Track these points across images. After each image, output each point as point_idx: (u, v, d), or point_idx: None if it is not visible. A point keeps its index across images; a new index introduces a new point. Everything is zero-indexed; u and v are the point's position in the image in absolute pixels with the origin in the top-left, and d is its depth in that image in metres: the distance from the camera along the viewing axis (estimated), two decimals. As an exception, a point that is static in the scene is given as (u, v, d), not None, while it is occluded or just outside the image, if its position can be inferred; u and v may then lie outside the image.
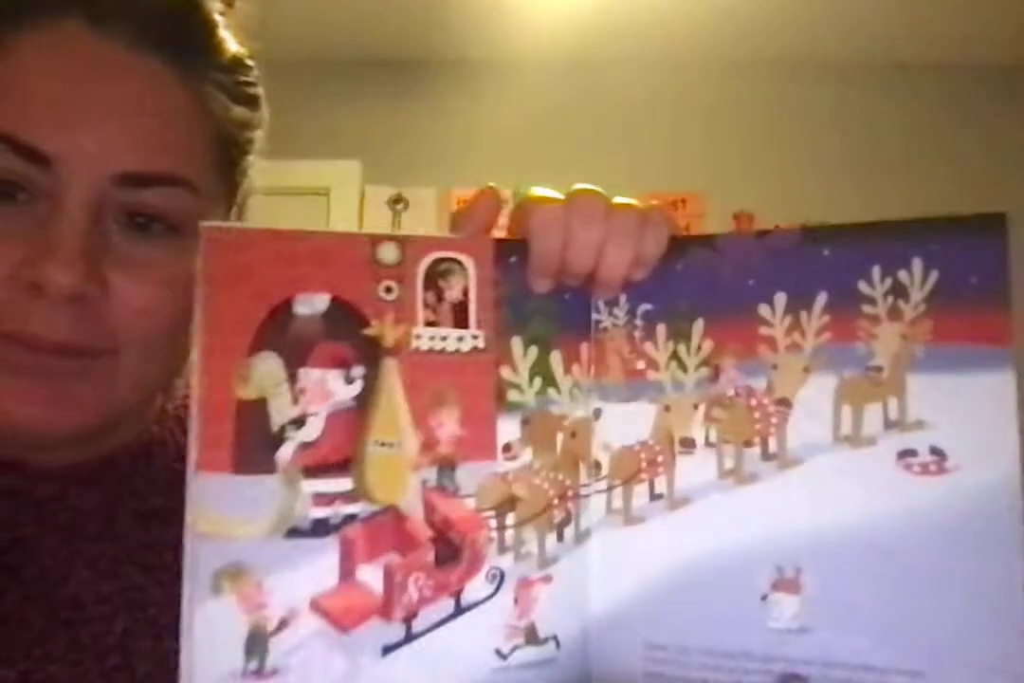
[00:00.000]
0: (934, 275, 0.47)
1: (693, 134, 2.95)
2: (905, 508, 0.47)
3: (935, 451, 0.47)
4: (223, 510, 0.46)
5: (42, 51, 0.55)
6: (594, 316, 0.52)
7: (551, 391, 0.51)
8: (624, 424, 0.52)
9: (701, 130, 2.95)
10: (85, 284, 0.53)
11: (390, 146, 2.99)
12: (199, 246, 0.47)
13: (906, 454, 0.47)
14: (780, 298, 0.50)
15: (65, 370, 0.56)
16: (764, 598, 0.49)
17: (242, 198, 0.69)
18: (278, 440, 0.47)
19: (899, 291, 0.48)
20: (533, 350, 0.51)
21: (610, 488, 0.51)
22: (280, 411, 0.47)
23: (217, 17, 0.62)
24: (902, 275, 0.48)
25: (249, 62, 0.64)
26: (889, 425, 0.48)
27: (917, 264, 0.48)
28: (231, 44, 0.62)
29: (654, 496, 0.51)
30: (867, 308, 0.48)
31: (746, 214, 2.87)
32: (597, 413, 0.52)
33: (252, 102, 0.64)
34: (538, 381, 0.51)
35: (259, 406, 0.47)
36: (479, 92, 3.02)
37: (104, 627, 0.59)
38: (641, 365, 0.52)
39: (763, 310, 0.50)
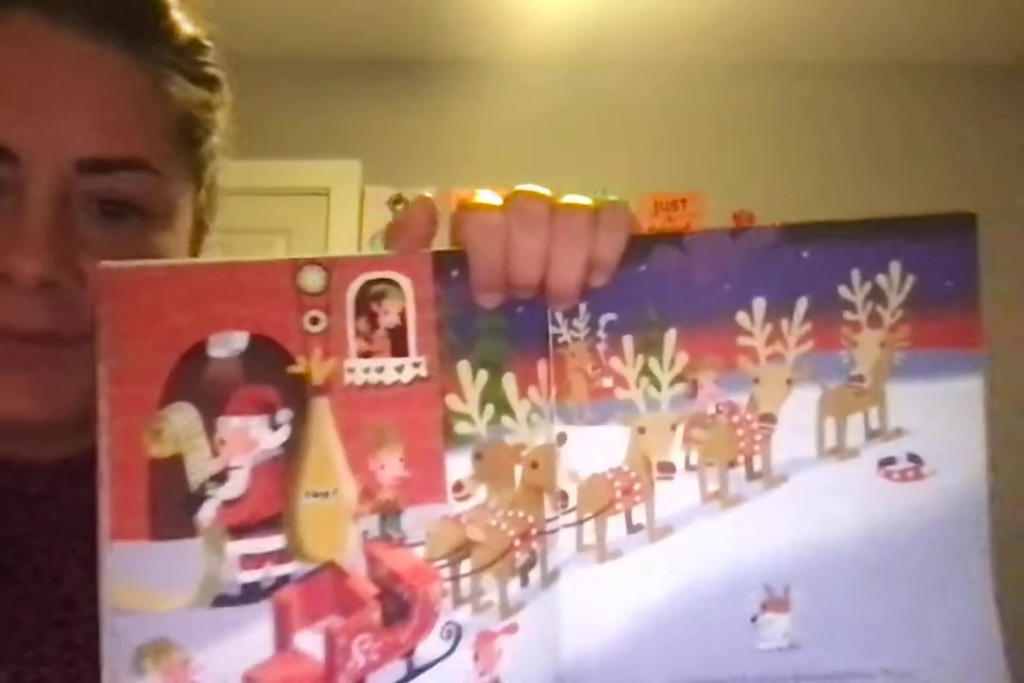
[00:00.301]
0: (911, 279, 0.46)
1: (693, 134, 2.94)
2: (888, 517, 0.46)
3: (912, 457, 0.46)
4: (142, 581, 0.42)
5: (1, 46, 0.55)
6: (551, 330, 0.47)
7: (505, 419, 0.45)
8: (593, 450, 0.46)
9: (701, 130, 2.94)
10: (54, 272, 0.52)
11: (390, 146, 2.98)
12: (96, 289, 0.43)
13: (886, 462, 0.46)
14: (759, 304, 0.45)
15: (41, 359, 0.55)
16: (754, 620, 0.45)
17: (210, 180, 0.67)
18: (198, 499, 0.43)
19: (878, 296, 0.46)
20: (483, 374, 0.45)
21: (580, 522, 0.46)
22: (198, 467, 0.43)
23: (167, 1, 0.61)
24: (880, 279, 0.46)
25: (206, 43, 0.64)
26: (870, 435, 0.46)
27: (895, 268, 0.46)
28: (185, 26, 0.62)
29: (632, 527, 0.46)
30: (848, 314, 0.46)
31: (746, 214, 2.83)
32: (561, 439, 0.46)
33: (211, 82, 0.64)
34: (490, 409, 0.45)
35: (174, 463, 0.43)
36: (479, 92, 3.00)
37: (97, 627, 0.57)
38: (608, 383, 0.46)
39: (741, 318, 0.46)
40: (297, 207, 3.06)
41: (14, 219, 0.53)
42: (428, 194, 0.47)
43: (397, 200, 2.96)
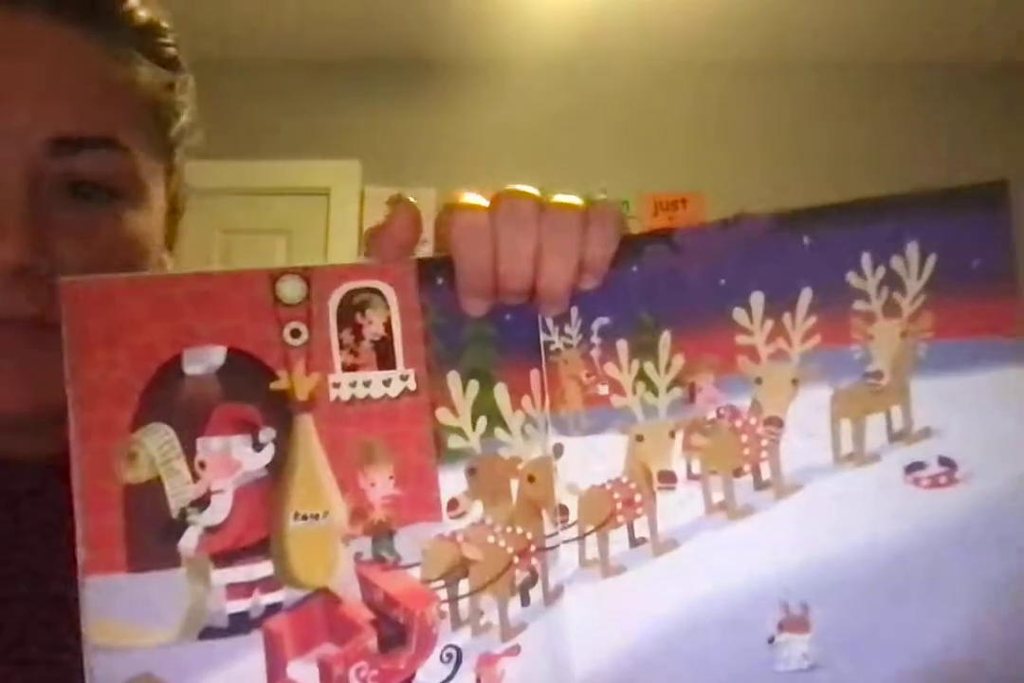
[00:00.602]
0: (931, 260, 0.41)
1: (693, 134, 2.96)
2: (917, 528, 0.42)
3: (944, 461, 0.41)
4: (123, 616, 0.40)
5: None
6: (543, 337, 0.45)
7: (499, 432, 0.43)
8: (591, 460, 0.44)
9: (701, 130, 2.97)
10: (31, 258, 0.52)
11: (390, 146, 3.00)
12: (61, 306, 0.41)
13: (914, 468, 0.42)
14: (757, 299, 0.43)
15: (22, 344, 0.53)
16: (771, 641, 0.42)
17: (180, 162, 0.68)
18: (179, 527, 0.41)
19: (894, 282, 0.41)
20: (474, 385, 0.43)
21: (582, 536, 0.44)
22: (178, 492, 0.41)
23: None
24: (896, 262, 0.41)
25: (164, 24, 0.64)
26: (894, 437, 0.42)
27: (912, 248, 0.41)
28: (142, 10, 0.62)
29: (635, 541, 0.44)
30: (859, 304, 0.42)
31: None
32: (557, 450, 0.44)
33: (173, 64, 0.64)
34: (483, 421, 0.43)
35: (152, 489, 0.41)
36: (479, 92, 3.02)
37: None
38: (603, 390, 0.44)
39: (738, 315, 0.43)
40: (297, 207, 3.07)
41: None
42: (411, 198, 0.46)
43: (397, 200, 2.96)
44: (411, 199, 0.46)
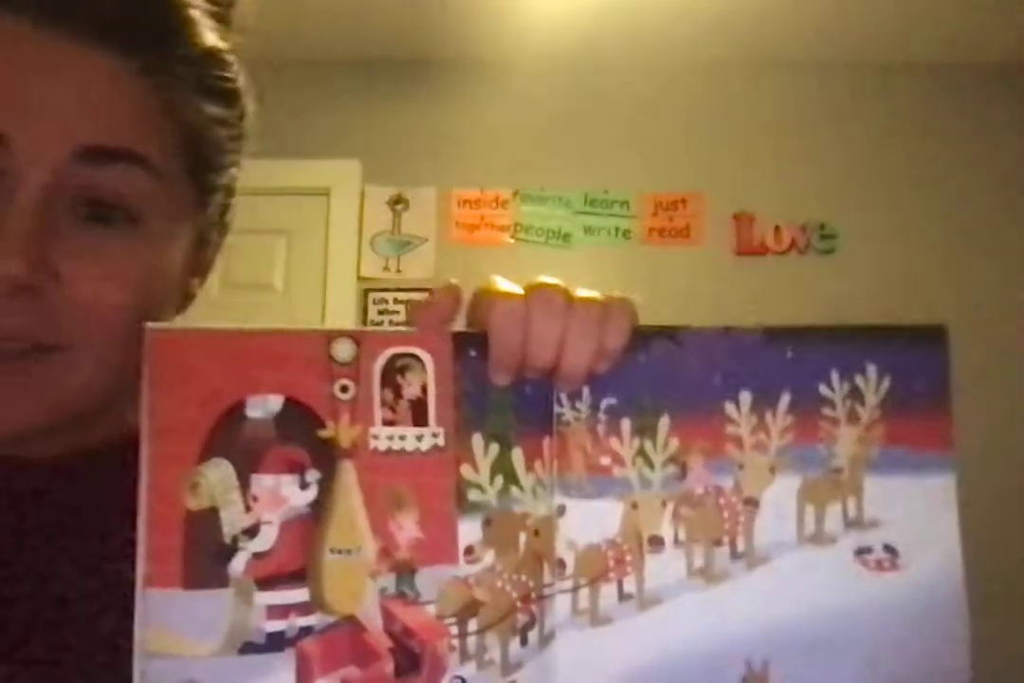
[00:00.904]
0: (886, 381, 0.51)
1: (692, 134, 2.98)
2: (863, 602, 0.50)
3: (888, 548, 0.50)
4: (174, 627, 0.45)
5: None
6: (556, 409, 0.51)
7: (513, 489, 0.50)
8: (589, 521, 0.51)
9: (700, 130, 2.98)
10: (31, 276, 0.52)
11: (390, 146, 3.02)
12: (143, 348, 0.46)
13: (863, 551, 0.50)
14: (745, 397, 0.50)
15: (7, 373, 0.54)
16: None
17: (226, 198, 0.68)
18: (230, 551, 0.46)
19: (856, 395, 0.51)
20: (494, 447, 0.50)
21: (576, 588, 0.50)
22: (232, 521, 0.46)
23: (191, 11, 0.60)
24: (858, 380, 0.51)
25: (227, 57, 0.63)
26: (848, 524, 0.51)
27: (871, 370, 0.51)
28: (204, 38, 0.61)
29: (623, 596, 0.50)
30: (827, 411, 0.51)
31: (746, 214, 2.87)
32: (561, 510, 0.51)
33: (227, 97, 0.64)
34: (499, 480, 0.50)
35: (210, 516, 0.46)
36: (479, 92, 3.04)
37: (90, 626, 0.58)
38: (606, 461, 0.51)
39: (729, 409, 0.51)
40: (297, 207, 3.06)
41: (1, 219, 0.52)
42: (454, 281, 0.51)
43: (397, 200, 2.99)
44: (453, 281, 0.52)
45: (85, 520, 0.61)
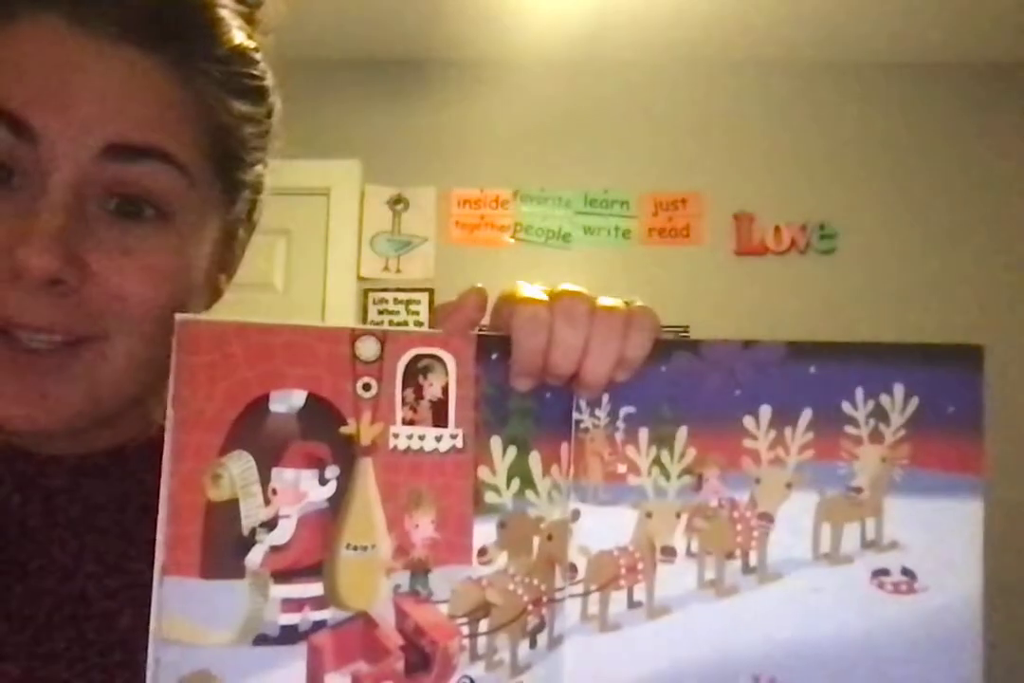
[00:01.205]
0: (914, 401, 0.50)
1: (692, 134, 2.98)
2: (877, 624, 0.50)
3: (906, 572, 0.50)
4: (190, 616, 0.46)
5: (22, 39, 0.56)
6: (575, 416, 0.52)
7: (529, 493, 0.51)
8: (603, 528, 0.52)
9: (700, 130, 2.99)
10: (62, 270, 0.53)
11: (390, 146, 3.02)
12: (173, 338, 0.47)
13: (880, 573, 0.50)
14: (765, 411, 0.50)
15: (46, 367, 0.55)
16: None
17: (253, 195, 0.68)
18: (248, 543, 0.47)
19: (881, 414, 0.50)
20: (512, 450, 0.50)
21: (586, 593, 0.51)
22: (251, 513, 0.47)
23: (220, 10, 0.61)
24: (884, 399, 0.50)
25: (254, 55, 0.64)
26: (866, 544, 0.50)
27: (898, 389, 0.50)
28: (232, 36, 0.62)
29: (632, 603, 0.51)
30: (850, 429, 0.51)
31: (746, 214, 2.88)
32: (575, 515, 0.52)
33: (254, 95, 0.64)
34: (516, 483, 0.50)
35: (230, 508, 0.47)
36: (479, 92, 3.03)
37: (109, 623, 0.58)
38: (622, 469, 0.52)
39: (748, 422, 0.51)
40: (297, 207, 3.04)
41: (28, 211, 0.53)
42: (480, 285, 0.52)
43: (397, 200, 2.99)
44: (480, 285, 0.52)
45: (110, 518, 0.62)
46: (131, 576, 0.60)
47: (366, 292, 2.96)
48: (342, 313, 2.96)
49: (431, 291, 2.91)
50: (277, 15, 0.67)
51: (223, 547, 0.46)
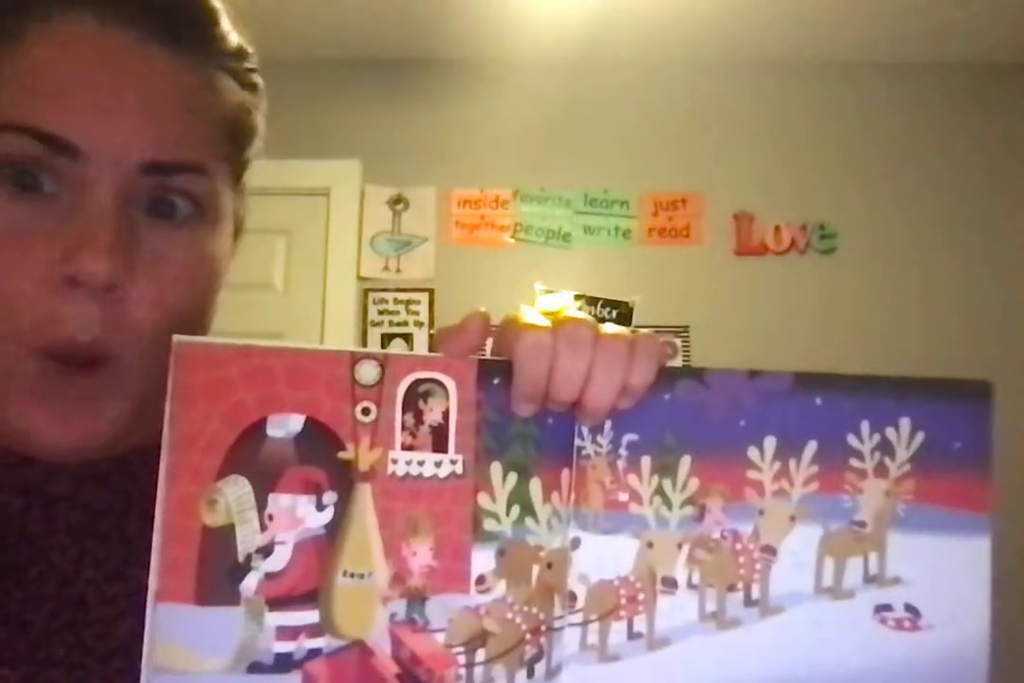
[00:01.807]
0: (920, 436, 0.50)
1: (692, 134, 2.99)
2: (878, 660, 0.50)
3: (910, 608, 0.50)
4: (183, 643, 0.46)
5: (55, 44, 0.57)
6: (577, 442, 0.52)
7: (529, 521, 0.51)
8: (603, 557, 0.52)
9: (700, 130, 2.99)
10: (121, 275, 0.55)
11: (390, 146, 3.03)
12: (171, 361, 0.47)
13: (882, 609, 0.50)
14: (770, 442, 0.50)
15: (94, 388, 0.57)
16: None
17: (242, 185, 0.71)
18: (244, 570, 0.47)
19: (886, 448, 0.50)
20: (512, 477, 0.50)
21: (585, 622, 0.51)
22: (247, 539, 0.47)
23: (218, 6, 0.64)
24: (890, 432, 0.50)
25: (250, 50, 0.67)
26: (868, 579, 0.50)
27: (904, 424, 0.50)
28: (233, 33, 0.65)
29: (632, 634, 0.51)
30: (855, 462, 0.51)
31: (746, 214, 2.89)
32: (575, 543, 0.52)
33: (255, 88, 0.67)
34: (516, 510, 0.50)
35: (225, 533, 0.47)
36: (479, 92, 3.05)
37: (109, 629, 0.59)
38: (624, 497, 0.51)
39: (752, 453, 0.51)
40: (297, 207, 3.06)
41: (76, 217, 0.55)
42: (483, 310, 0.52)
43: (397, 200, 2.99)
44: (482, 310, 0.52)
45: (111, 525, 0.62)
46: (131, 582, 0.60)
47: (366, 292, 2.97)
48: (342, 313, 2.97)
49: (431, 291, 2.91)
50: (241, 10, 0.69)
51: (218, 573, 0.46)
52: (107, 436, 0.58)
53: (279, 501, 0.47)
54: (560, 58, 2.99)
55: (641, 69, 3.01)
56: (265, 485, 0.47)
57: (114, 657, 0.58)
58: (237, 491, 0.47)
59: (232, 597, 0.46)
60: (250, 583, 0.47)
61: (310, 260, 3.07)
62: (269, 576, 0.47)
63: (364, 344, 2.94)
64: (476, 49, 2.99)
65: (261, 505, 0.47)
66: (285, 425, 0.48)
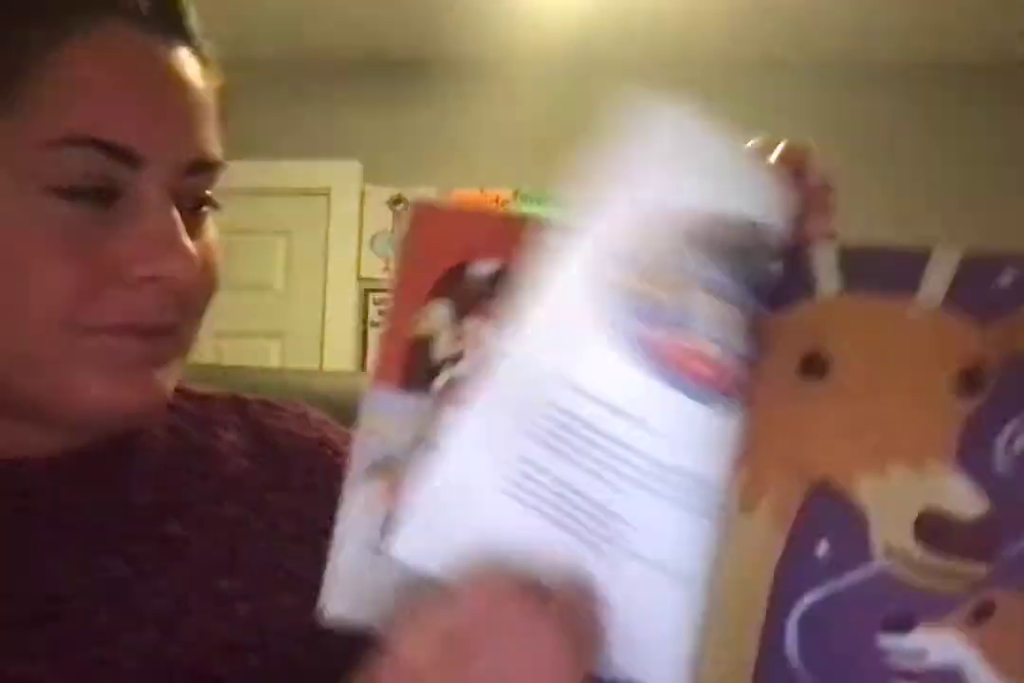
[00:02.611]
0: None
1: None
2: None
3: None
4: (386, 417, 0.60)
5: (95, 52, 0.58)
6: None
7: None
8: None
9: None
10: (196, 274, 0.61)
11: (390, 146, 3.11)
12: (408, 219, 0.61)
13: None
14: None
15: (159, 355, 0.62)
16: None
17: None
18: (436, 371, 0.61)
19: None
20: None
21: None
22: (442, 349, 0.61)
23: None
24: None
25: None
26: None
27: None
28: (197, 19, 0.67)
29: None
30: None
31: None
32: None
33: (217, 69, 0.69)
34: None
35: (428, 341, 0.61)
36: (479, 92, 3.14)
37: (86, 621, 0.60)
38: None
39: None
40: (297, 207, 3.16)
41: (141, 219, 0.59)
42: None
43: (397, 200, 3.07)
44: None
45: (84, 517, 0.65)
46: (106, 573, 0.62)
47: (366, 292, 3.06)
48: (342, 313, 3.06)
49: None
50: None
51: (419, 371, 0.60)
52: (166, 399, 0.64)
53: (470, 324, 0.61)
54: (560, 58, 3.07)
55: (641, 68, 3.07)
56: (461, 310, 0.61)
57: (92, 648, 0.59)
58: (440, 312, 0.61)
59: (425, 390, 0.60)
60: (439, 382, 0.60)
61: (310, 260, 3.15)
62: (451, 381, 0.60)
63: (364, 344, 3.02)
64: (476, 49, 3.07)
65: (457, 325, 0.61)
66: (483, 268, 0.61)
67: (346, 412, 0.67)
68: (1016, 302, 0.53)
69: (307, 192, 3.18)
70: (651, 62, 3.13)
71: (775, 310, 0.55)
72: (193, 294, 0.63)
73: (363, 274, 3.09)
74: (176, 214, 0.60)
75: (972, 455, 0.52)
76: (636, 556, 0.52)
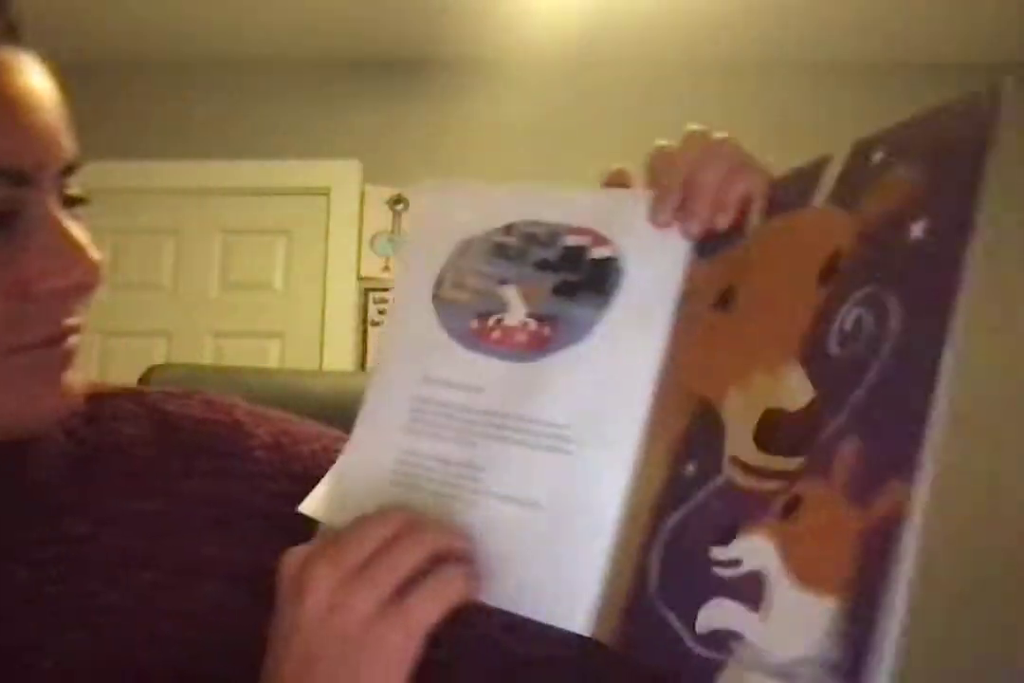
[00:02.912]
0: None
1: None
2: None
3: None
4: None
5: None
6: None
7: None
8: None
9: None
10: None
11: (390, 146, 3.11)
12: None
13: None
14: None
15: (72, 353, 0.62)
16: None
17: None
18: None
19: None
20: None
21: None
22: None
23: None
24: None
25: None
26: None
27: None
28: None
29: None
30: None
31: None
32: None
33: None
34: None
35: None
36: (479, 92, 3.14)
37: (5, 630, 0.61)
38: None
39: None
40: (297, 207, 3.14)
41: (37, 236, 0.58)
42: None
43: (397, 200, 3.06)
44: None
45: (42, 504, 0.66)
46: (12, 580, 0.62)
47: (366, 292, 3.06)
48: (342, 313, 3.06)
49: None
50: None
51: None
52: (80, 397, 0.63)
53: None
54: (560, 57, 3.07)
55: (641, 68, 3.12)
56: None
57: (68, 631, 0.61)
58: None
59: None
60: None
61: (310, 260, 3.14)
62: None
63: (364, 344, 3.04)
64: (476, 49, 3.07)
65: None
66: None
67: (346, 412, 0.67)
68: (877, 178, 0.55)
69: (307, 192, 3.17)
70: (651, 62, 3.14)
71: (707, 257, 0.60)
72: (93, 292, 0.62)
73: (363, 274, 3.09)
74: (70, 222, 0.59)
75: (811, 342, 0.51)
76: (495, 495, 0.60)
